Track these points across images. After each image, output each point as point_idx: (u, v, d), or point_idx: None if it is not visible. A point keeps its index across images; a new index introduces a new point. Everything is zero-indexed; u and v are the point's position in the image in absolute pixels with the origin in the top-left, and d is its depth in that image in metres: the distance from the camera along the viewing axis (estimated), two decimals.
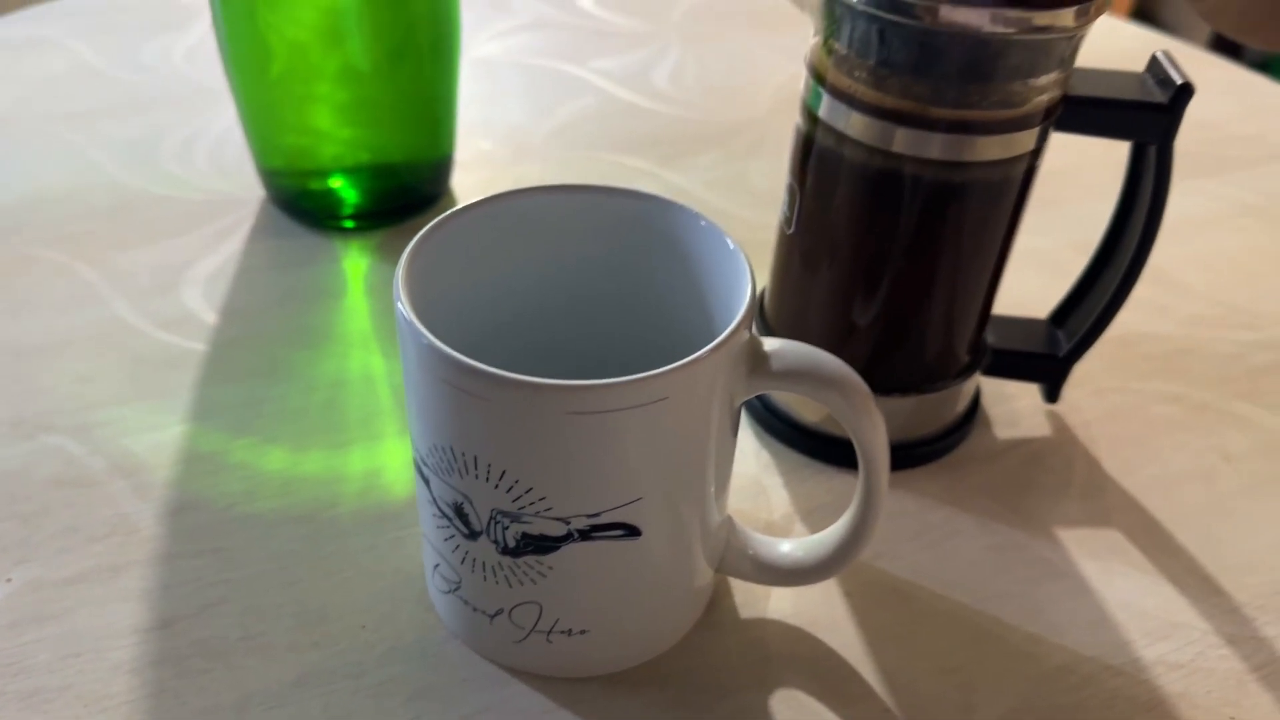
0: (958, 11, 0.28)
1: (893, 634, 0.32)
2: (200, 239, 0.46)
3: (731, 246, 0.28)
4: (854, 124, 0.31)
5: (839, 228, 0.33)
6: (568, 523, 0.26)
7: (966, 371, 0.37)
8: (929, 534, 0.35)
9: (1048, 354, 0.38)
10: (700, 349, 0.25)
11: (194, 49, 0.61)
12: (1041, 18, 0.28)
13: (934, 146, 0.31)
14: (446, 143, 0.47)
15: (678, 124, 0.57)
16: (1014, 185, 0.32)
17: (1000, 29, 0.28)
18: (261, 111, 0.43)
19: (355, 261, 0.45)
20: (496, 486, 0.26)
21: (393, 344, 0.41)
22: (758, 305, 0.39)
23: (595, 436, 0.25)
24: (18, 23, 0.64)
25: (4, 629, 0.31)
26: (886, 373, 0.35)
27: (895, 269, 0.33)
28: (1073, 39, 0.30)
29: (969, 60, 0.29)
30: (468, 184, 0.51)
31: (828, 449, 0.37)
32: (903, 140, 0.31)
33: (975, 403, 0.39)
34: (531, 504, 0.26)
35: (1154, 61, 0.33)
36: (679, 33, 0.66)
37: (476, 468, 0.26)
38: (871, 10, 0.29)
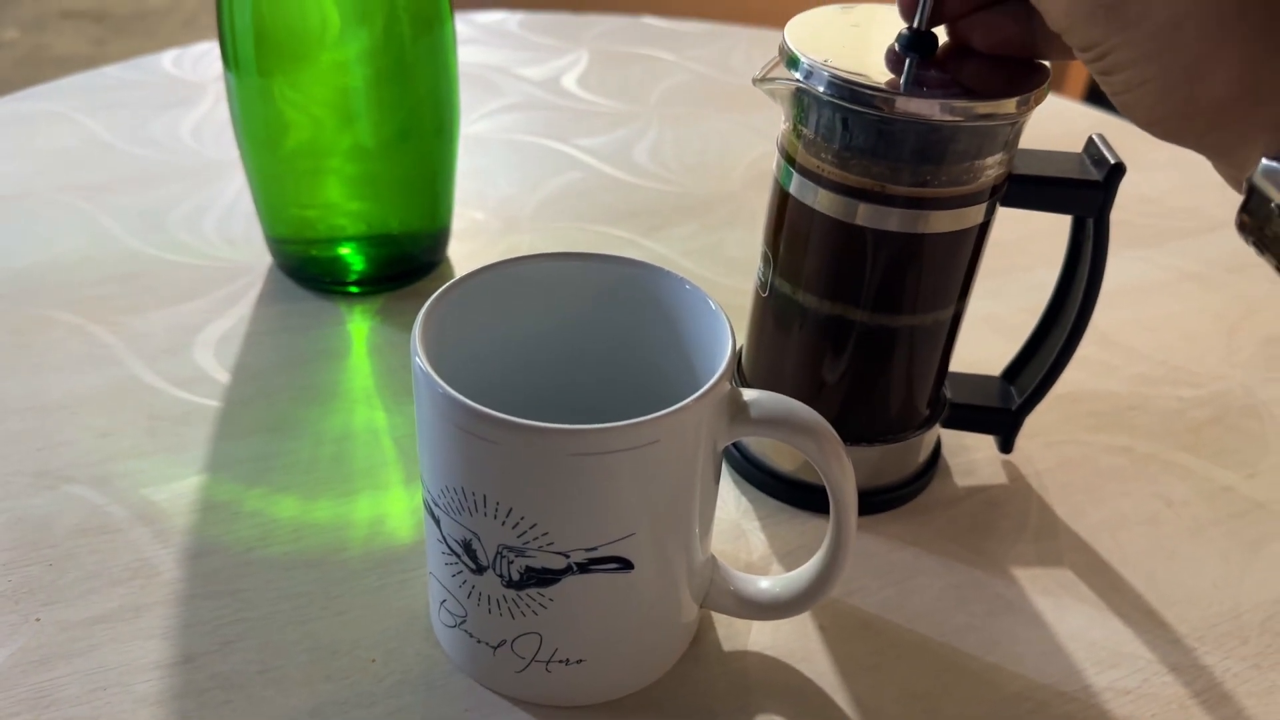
0: (911, 103, 0.31)
1: (864, 664, 0.34)
2: (211, 303, 0.49)
3: (714, 307, 0.32)
4: (821, 200, 0.35)
5: (808, 292, 0.37)
6: (567, 556, 0.29)
7: (927, 423, 0.40)
8: (895, 573, 0.38)
9: (1001, 408, 0.41)
10: (686, 399, 0.28)
11: (200, 125, 0.65)
12: (985, 107, 0.32)
13: (893, 220, 0.34)
14: (445, 214, 0.51)
15: (658, 197, 0.61)
16: (965, 254, 0.36)
17: (949, 117, 0.32)
18: (273, 184, 0.47)
19: (358, 324, 0.48)
20: (504, 523, 0.29)
21: (395, 399, 0.44)
22: (736, 360, 0.42)
23: (594, 476, 0.28)
24: (31, 99, 0.67)
25: (35, 664, 0.33)
26: (854, 424, 0.38)
27: (859, 329, 0.37)
28: (1015, 125, 0.34)
29: (922, 144, 0.33)
30: (463, 252, 0.54)
31: (803, 495, 0.40)
32: (865, 215, 0.34)
33: (936, 453, 0.42)
34: (535, 539, 0.29)
35: (1090, 143, 0.37)
36: (657, 113, 0.70)
37: (485, 506, 0.29)
38: (835, 100, 0.32)
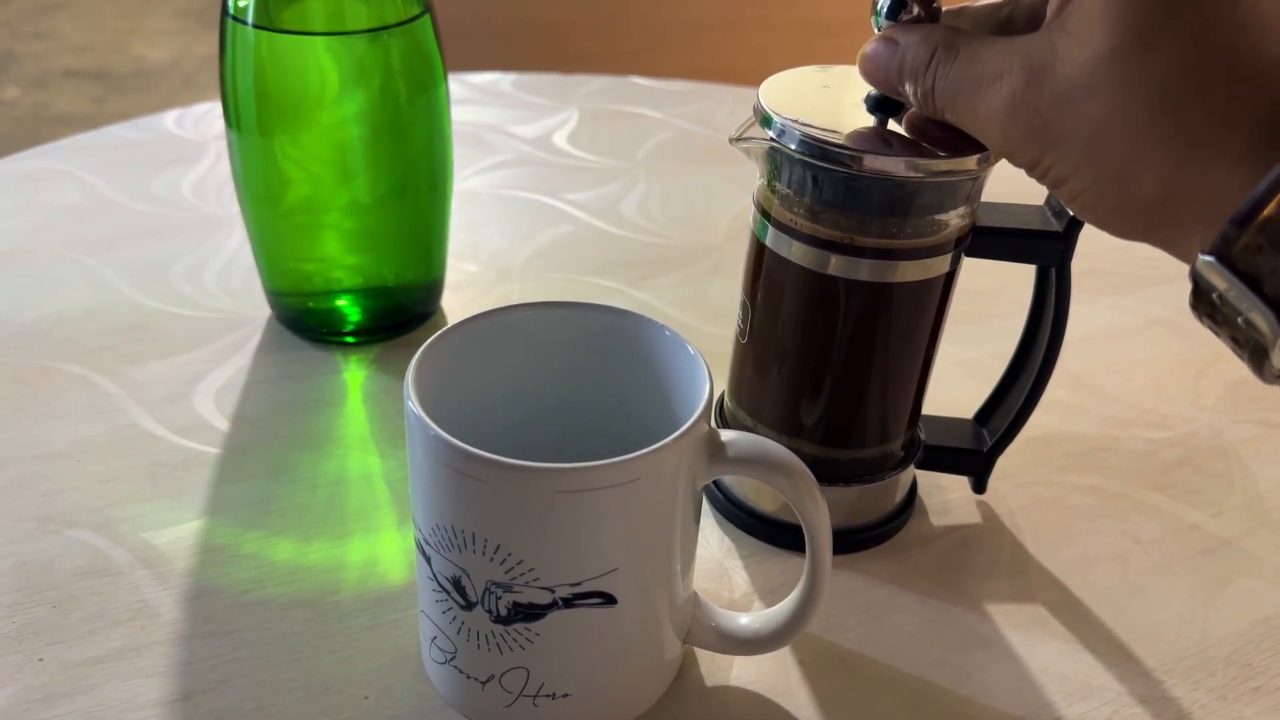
0: (878, 160, 0.33)
1: (841, 699, 0.36)
2: (210, 353, 0.50)
3: (692, 352, 0.33)
4: (795, 251, 0.37)
5: (785, 337, 0.39)
6: (553, 591, 0.30)
7: (901, 464, 0.41)
8: (872, 609, 0.39)
9: (974, 449, 0.43)
10: (666, 437, 0.29)
11: (200, 181, 0.67)
12: (947, 164, 0.34)
13: (863, 270, 0.36)
14: (439, 266, 0.52)
15: (645, 249, 0.63)
16: (933, 302, 0.38)
17: (913, 174, 0.34)
18: (272, 238, 0.48)
19: (354, 373, 0.50)
20: (491, 559, 0.30)
21: (389, 445, 0.45)
22: (718, 406, 0.44)
23: (577, 512, 0.29)
24: (37, 157, 0.69)
25: (39, 703, 0.34)
26: (831, 465, 0.40)
27: (834, 373, 0.38)
28: (976, 180, 0.35)
29: (889, 199, 0.35)
30: (456, 303, 0.55)
31: (783, 535, 0.41)
32: (836, 265, 0.36)
33: (912, 493, 0.44)
34: (522, 574, 0.30)
35: (1051, 196, 0.39)
36: (645, 168, 0.72)
37: (474, 543, 0.30)
38: (807, 159, 0.34)
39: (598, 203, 0.67)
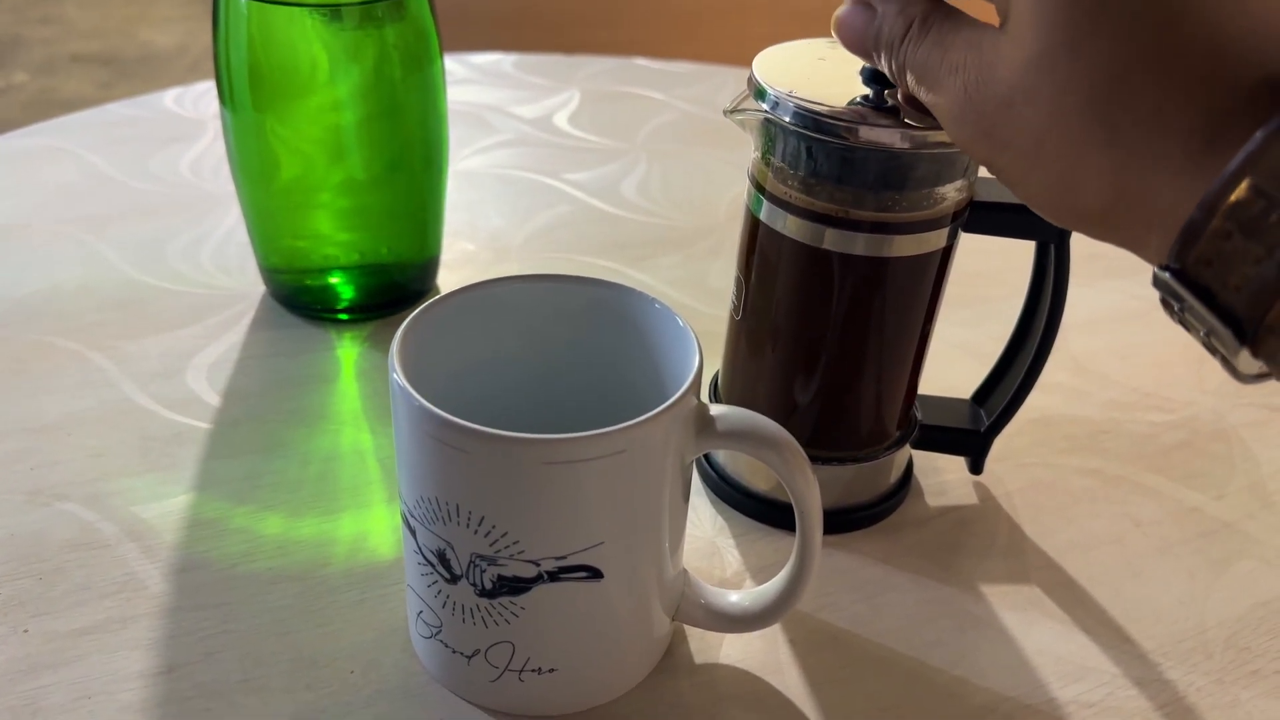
0: (873, 131, 0.33)
1: (833, 677, 0.35)
2: (204, 329, 0.50)
3: (681, 325, 0.33)
4: (789, 225, 0.36)
5: (779, 314, 0.38)
6: (538, 564, 0.30)
7: (897, 444, 0.41)
8: (866, 589, 0.39)
9: (971, 429, 0.42)
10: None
11: (198, 160, 0.66)
12: (943, 135, 0.33)
13: (858, 244, 0.35)
14: (434, 245, 0.52)
15: (644, 229, 0.62)
16: (929, 277, 0.37)
17: (908, 146, 0.33)
18: (268, 216, 0.48)
19: (348, 350, 0.49)
20: (476, 532, 0.30)
21: (381, 422, 0.45)
22: (712, 385, 0.43)
23: (562, 484, 0.29)
24: (36, 134, 0.69)
25: (22, 674, 0.34)
26: (826, 443, 0.39)
27: (829, 350, 0.38)
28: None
29: (884, 171, 0.34)
30: (453, 281, 0.55)
31: (777, 514, 0.41)
32: (831, 239, 0.36)
33: (908, 473, 0.43)
34: (506, 547, 0.30)
35: None
36: (646, 150, 0.72)
37: (459, 515, 0.30)
38: (801, 130, 0.34)
39: (597, 183, 0.67)
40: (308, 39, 0.43)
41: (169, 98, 0.75)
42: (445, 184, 0.51)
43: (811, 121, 0.33)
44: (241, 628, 0.36)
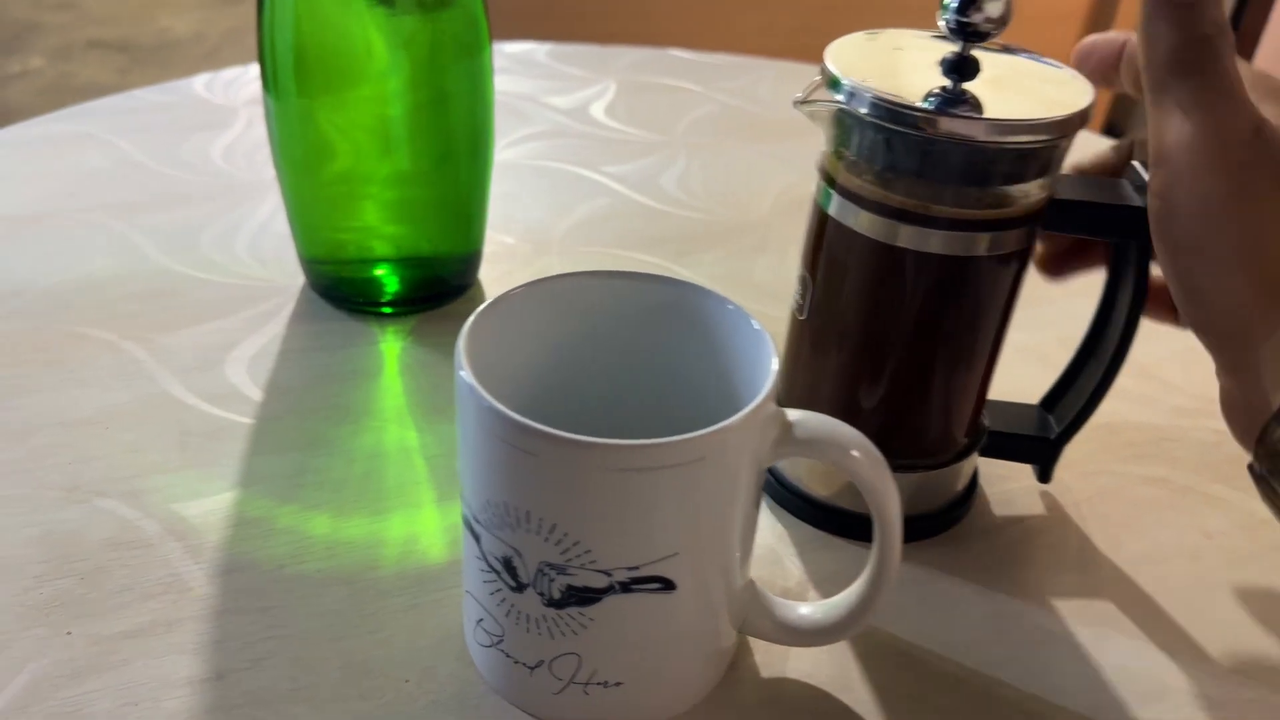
0: (956, 124, 0.31)
1: (904, 694, 0.34)
2: (242, 321, 0.49)
3: (756, 327, 0.31)
4: (862, 221, 0.35)
5: (847, 314, 0.37)
6: (610, 575, 0.29)
7: (966, 451, 0.39)
8: (933, 601, 0.37)
9: (1040, 437, 0.41)
10: (727, 418, 0.28)
11: (230, 147, 0.65)
12: (1029, 130, 0.32)
13: (934, 242, 0.34)
14: (477, 238, 0.51)
15: (686, 224, 0.61)
16: (1006, 278, 0.36)
17: (993, 138, 0.32)
18: (312, 206, 0.47)
19: (390, 344, 0.48)
20: (546, 539, 0.28)
21: (426, 419, 0.44)
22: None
23: (639, 492, 0.27)
24: (64, 120, 0.67)
25: (66, 678, 0.32)
26: (891, 450, 0.38)
27: (899, 353, 0.36)
28: (1056, 148, 0.33)
29: (966, 166, 0.33)
30: (493, 275, 0.54)
31: (839, 521, 0.40)
32: (906, 236, 0.34)
33: (974, 482, 0.42)
34: (578, 556, 0.28)
35: (1131, 169, 0.37)
36: (685, 142, 0.70)
37: (528, 521, 0.28)
38: (878, 122, 0.32)
39: (637, 176, 0.65)
40: (359, 24, 0.42)
41: (198, 84, 0.74)
42: (490, 175, 0.50)
43: (889, 112, 0.32)
44: (291, 632, 0.34)
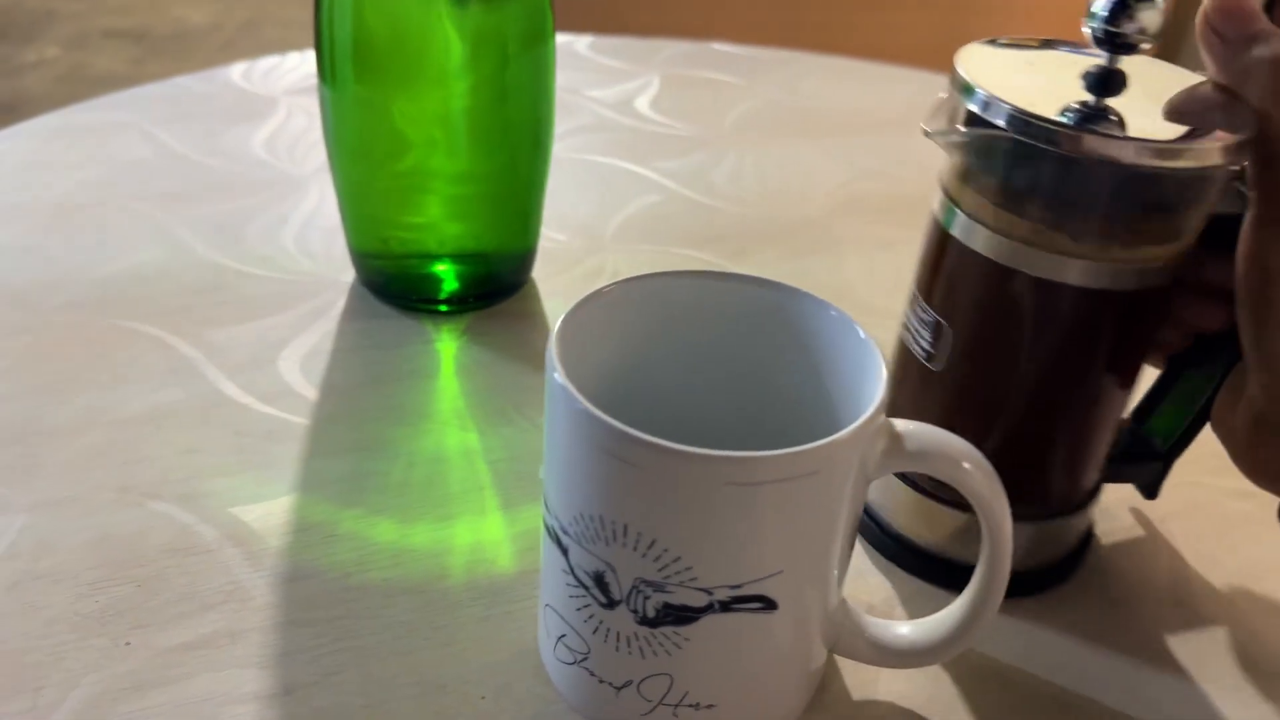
0: (1104, 144, 0.28)
1: (1001, 717, 0.32)
2: (293, 318, 0.47)
3: (863, 336, 0.30)
4: (989, 245, 0.31)
5: (967, 347, 0.33)
6: (710, 593, 0.27)
7: (1092, 496, 0.37)
8: (1025, 621, 0.36)
9: (1149, 453, 0.38)
10: (822, 432, 0.26)
11: (272, 138, 0.64)
12: (1191, 152, 0.28)
13: (1073, 272, 0.31)
14: (533, 234, 0.49)
15: (740, 221, 0.59)
16: (1150, 316, 0.33)
17: (1147, 161, 0.28)
18: (370, 201, 0.45)
19: (446, 343, 0.46)
20: (644, 555, 0.27)
21: (488, 422, 0.42)
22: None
23: (747, 507, 0.26)
24: (101, 109, 0.66)
25: (127, 692, 0.31)
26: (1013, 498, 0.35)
27: (1023, 394, 0.33)
28: (1216, 179, 0.30)
29: (1114, 191, 0.30)
30: (546, 273, 0.52)
31: (942, 570, 0.37)
32: (1040, 264, 0.31)
33: (1090, 531, 0.39)
34: (677, 573, 0.27)
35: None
36: (734, 138, 0.69)
37: (625, 536, 0.27)
38: (1016, 136, 0.29)
39: (687, 171, 0.64)
40: (424, 14, 0.40)
41: (235, 73, 0.72)
42: (548, 171, 0.48)
43: (1030, 128, 0.29)
44: (360, 645, 0.33)
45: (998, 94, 0.30)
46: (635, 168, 0.64)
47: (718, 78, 0.78)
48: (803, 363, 0.32)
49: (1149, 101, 0.30)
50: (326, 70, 0.43)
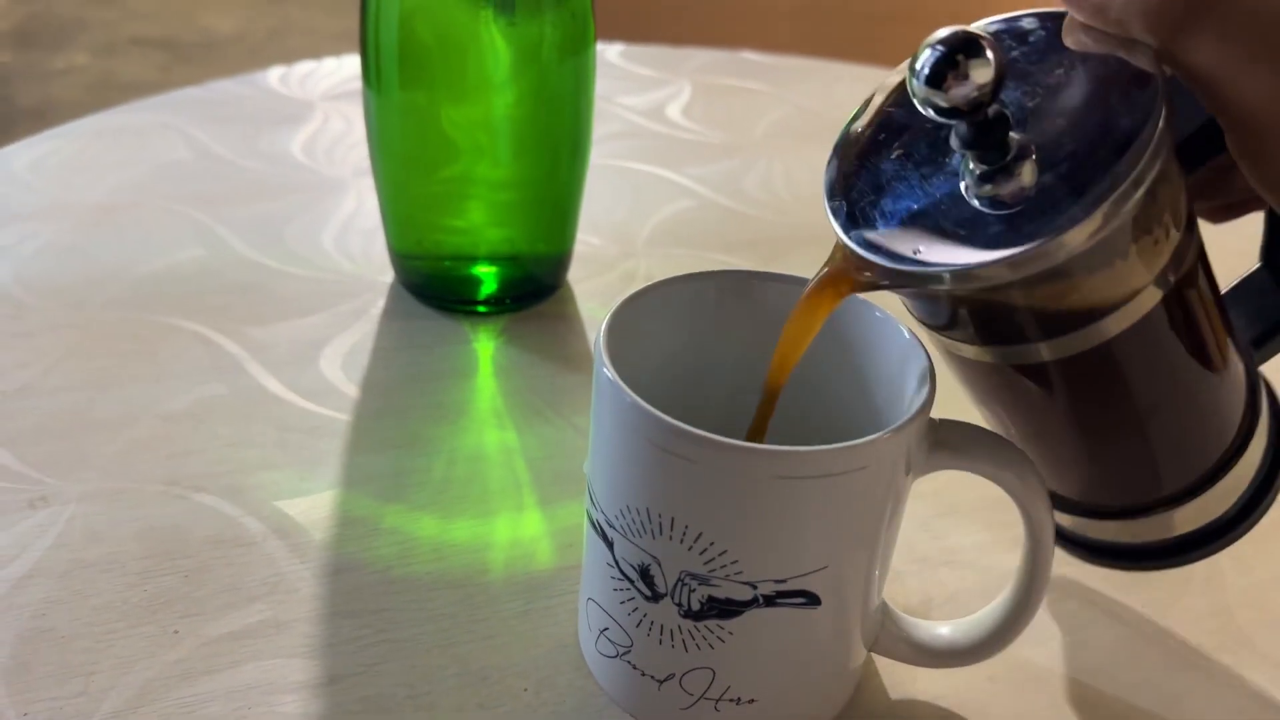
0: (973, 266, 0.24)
1: (1039, 718, 0.32)
2: (334, 317, 0.48)
3: (907, 336, 0.30)
4: (975, 355, 0.29)
5: (1050, 432, 0.31)
6: (755, 587, 0.27)
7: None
8: (1063, 623, 0.36)
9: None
10: (867, 430, 0.26)
11: (310, 141, 0.64)
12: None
13: (1043, 352, 0.27)
14: (570, 238, 0.50)
15: (773, 228, 0.59)
16: (1179, 321, 0.28)
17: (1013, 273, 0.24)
18: (412, 202, 0.46)
19: (484, 343, 0.47)
20: (690, 548, 0.27)
21: (525, 421, 0.43)
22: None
23: (795, 501, 0.26)
24: (141, 110, 0.67)
25: (176, 679, 0.31)
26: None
27: (1096, 443, 0.31)
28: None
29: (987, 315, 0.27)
30: (580, 276, 0.53)
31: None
32: (1015, 357, 0.28)
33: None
34: (723, 566, 0.27)
35: None
36: (765, 145, 0.69)
37: (672, 529, 0.27)
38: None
39: (719, 178, 0.64)
40: (471, 19, 0.41)
41: (273, 77, 0.73)
42: (586, 175, 0.49)
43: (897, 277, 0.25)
44: (403, 637, 0.33)
45: (859, 243, 0.26)
46: (667, 174, 0.65)
47: (748, 86, 0.78)
48: (847, 362, 0.32)
49: (1042, 122, 0.25)
50: (372, 75, 0.43)
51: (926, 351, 0.29)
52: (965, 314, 0.28)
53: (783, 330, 0.29)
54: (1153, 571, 0.34)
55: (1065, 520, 0.33)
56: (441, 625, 0.34)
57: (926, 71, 0.23)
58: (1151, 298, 0.27)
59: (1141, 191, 0.24)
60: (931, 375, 0.28)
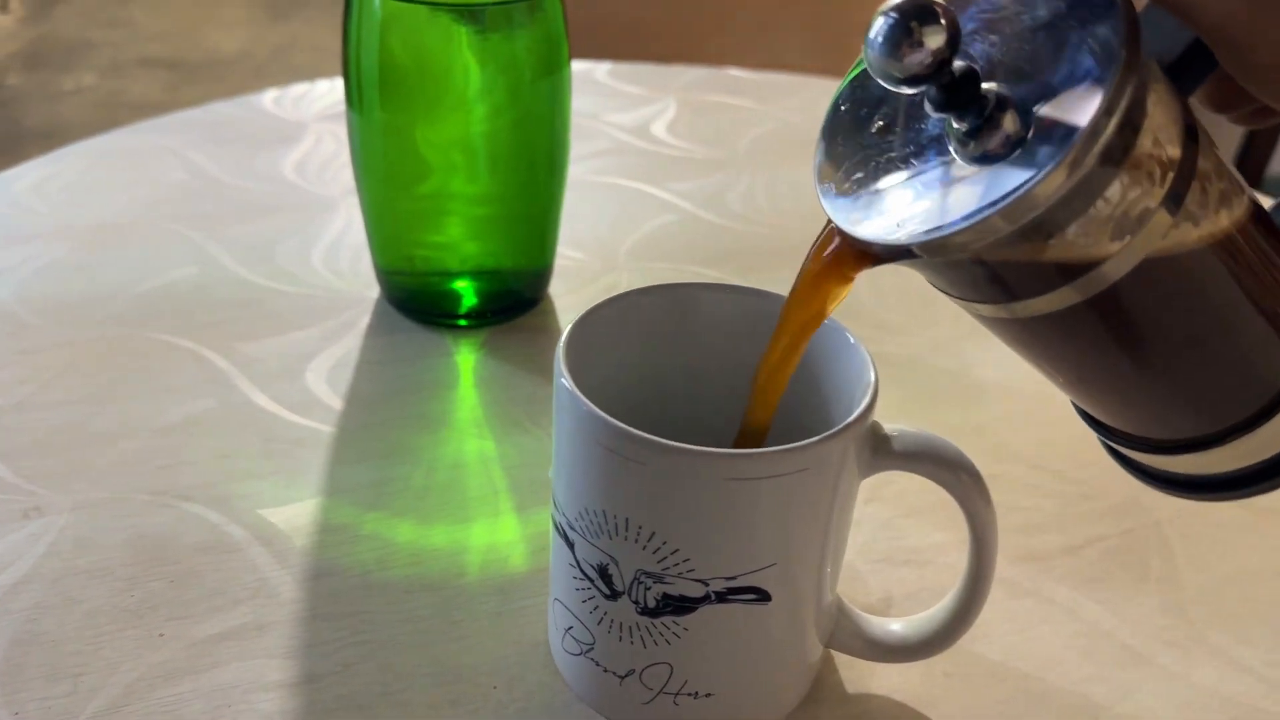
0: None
1: (992, 712, 0.34)
2: (320, 332, 0.50)
3: (852, 341, 0.31)
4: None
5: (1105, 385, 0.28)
6: (707, 584, 0.29)
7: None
8: (1019, 619, 0.37)
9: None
10: (816, 434, 0.28)
11: (302, 162, 0.66)
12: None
13: (1042, 304, 0.25)
14: (550, 252, 0.51)
15: (753, 240, 0.61)
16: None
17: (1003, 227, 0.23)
18: (393, 220, 0.47)
19: (465, 356, 0.49)
20: (644, 548, 0.29)
21: (504, 430, 0.44)
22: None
23: (741, 502, 0.28)
24: (140, 133, 0.69)
25: (161, 680, 0.33)
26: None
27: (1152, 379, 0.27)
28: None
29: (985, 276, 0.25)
30: (562, 289, 0.54)
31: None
32: (1048, 303, 0.26)
33: None
34: (676, 565, 0.28)
35: None
36: (749, 160, 0.71)
37: (627, 529, 0.29)
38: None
39: (702, 193, 0.66)
40: (446, 42, 0.43)
41: (268, 99, 0.75)
42: (564, 192, 0.50)
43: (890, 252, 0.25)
44: (380, 638, 0.35)
45: (855, 230, 0.26)
46: (651, 189, 0.66)
47: (733, 102, 0.80)
48: (799, 368, 0.33)
49: (1013, 70, 0.24)
50: (354, 97, 0.45)
51: (873, 363, 0.30)
52: (981, 275, 0.26)
53: (784, 315, 0.29)
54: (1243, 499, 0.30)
55: (1141, 458, 0.31)
56: (418, 627, 0.35)
57: (880, 41, 0.23)
58: (1164, 220, 0.24)
59: (1116, 119, 0.22)
60: (875, 385, 0.30)
